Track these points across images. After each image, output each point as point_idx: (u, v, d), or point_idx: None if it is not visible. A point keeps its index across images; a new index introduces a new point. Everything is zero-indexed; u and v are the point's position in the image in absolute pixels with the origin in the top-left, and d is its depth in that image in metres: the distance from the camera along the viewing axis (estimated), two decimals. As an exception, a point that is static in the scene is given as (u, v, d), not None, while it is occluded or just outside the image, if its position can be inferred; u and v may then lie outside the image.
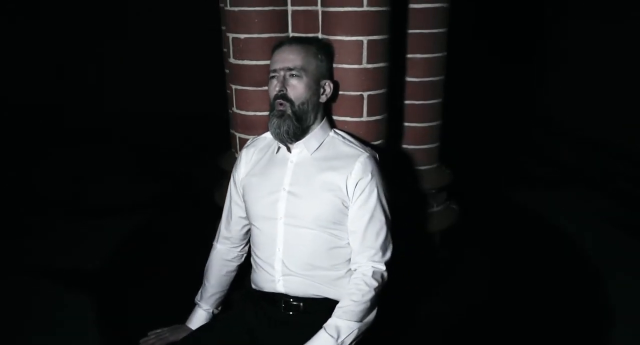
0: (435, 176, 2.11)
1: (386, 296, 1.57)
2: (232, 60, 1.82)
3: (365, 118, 1.76)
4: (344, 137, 1.64)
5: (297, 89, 1.53)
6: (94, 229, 3.03)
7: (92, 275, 2.52)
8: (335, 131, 1.65)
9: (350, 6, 1.62)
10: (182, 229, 2.86)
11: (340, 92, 1.72)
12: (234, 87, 1.86)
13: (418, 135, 2.04)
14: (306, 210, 1.54)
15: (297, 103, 1.53)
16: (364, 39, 1.65)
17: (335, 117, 1.77)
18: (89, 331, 2.10)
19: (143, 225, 3.01)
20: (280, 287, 1.57)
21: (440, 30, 1.93)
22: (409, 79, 1.97)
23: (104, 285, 2.41)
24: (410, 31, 1.91)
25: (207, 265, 1.80)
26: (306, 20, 1.75)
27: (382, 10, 1.65)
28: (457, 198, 2.31)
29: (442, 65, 1.99)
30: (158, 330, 1.78)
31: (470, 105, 5.06)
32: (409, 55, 1.94)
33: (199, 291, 1.82)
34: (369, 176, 1.54)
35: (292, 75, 1.53)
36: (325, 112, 1.65)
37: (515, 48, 5.78)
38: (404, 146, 2.07)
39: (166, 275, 2.34)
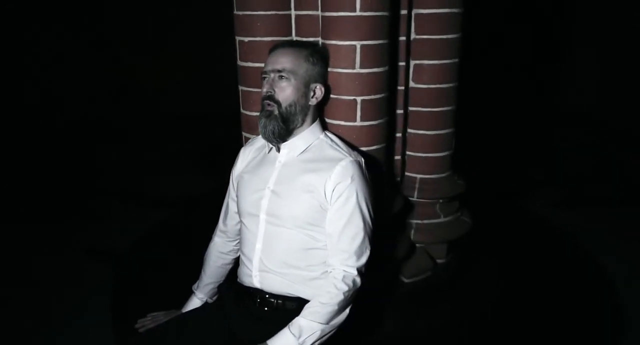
0: (443, 185, 2.04)
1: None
2: (238, 62, 1.89)
3: (358, 123, 1.75)
4: (332, 141, 1.65)
5: (285, 91, 1.57)
6: (141, 218, 3.27)
7: (125, 258, 2.73)
8: (326, 134, 1.67)
9: (344, 11, 1.63)
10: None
11: (335, 96, 1.74)
12: (240, 88, 1.93)
13: (425, 143, 2.00)
14: (285, 209, 1.57)
15: (284, 105, 1.58)
16: (357, 44, 1.66)
17: (329, 121, 1.78)
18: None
19: (187, 219, 3.19)
20: (256, 282, 1.62)
21: (450, 36, 1.87)
22: (414, 85, 1.93)
23: (131, 269, 2.59)
24: (417, 37, 1.87)
25: (205, 256, 1.89)
26: (309, 24, 1.78)
27: (378, 15, 1.64)
28: (473, 205, 2.24)
29: (453, 72, 1.93)
30: (155, 313, 1.90)
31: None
32: (416, 62, 1.90)
33: (198, 280, 1.91)
34: (349, 180, 1.54)
35: (281, 77, 1.57)
36: (318, 115, 1.68)
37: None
38: (410, 153, 2.04)
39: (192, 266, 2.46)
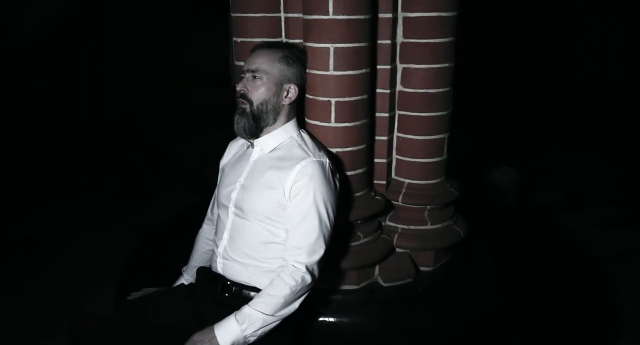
0: (432, 192, 2.00)
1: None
2: (235, 62, 2.00)
3: (333, 124, 1.79)
4: (302, 140, 1.71)
5: (257, 90, 1.66)
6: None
7: (151, 236, 2.99)
8: (300, 133, 1.73)
9: (318, 14, 1.67)
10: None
11: (311, 97, 1.79)
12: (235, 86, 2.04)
13: (413, 148, 1.97)
14: (248, 203, 1.66)
15: (255, 103, 1.66)
16: (331, 46, 1.69)
17: (308, 121, 1.84)
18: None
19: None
20: (220, 269, 1.73)
21: (440, 40, 1.83)
22: (402, 88, 1.92)
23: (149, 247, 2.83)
24: (404, 40, 1.85)
25: (194, 241, 2.03)
26: (295, 27, 1.84)
27: (352, 19, 1.66)
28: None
29: (444, 77, 1.89)
30: (147, 289, 2.07)
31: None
32: (404, 65, 1.88)
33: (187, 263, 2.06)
34: (307, 179, 1.59)
35: (254, 77, 1.66)
36: (295, 114, 1.74)
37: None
38: (398, 157, 2.02)
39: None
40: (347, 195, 1.86)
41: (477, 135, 4.93)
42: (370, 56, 1.77)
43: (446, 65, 1.87)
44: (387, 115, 1.92)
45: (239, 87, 1.68)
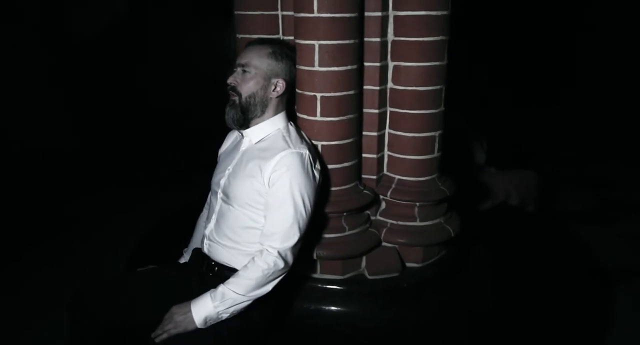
0: (422, 189, 2.02)
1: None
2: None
3: (318, 118, 1.86)
4: (288, 132, 1.80)
5: (246, 83, 1.77)
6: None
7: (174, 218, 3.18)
8: (288, 126, 1.82)
9: (304, 12, 1.75)
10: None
11: (299, 92, 1.87)
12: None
13: (403, 145, 2.00)
14: (233, 190, 1.78)
15: (244, 96, 1.77)
16: (316, 43, 1.76)
17: (298, 114, 1.92)
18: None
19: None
20: (206, 249, 1.85)
21: (431, 38, 1.84)
22: (393, 86, 1.95)
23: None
24: (395, 38, 1.89)
25: (196, 224, 2.17)
26: (290, 24, 1.93)
27: (336, 17, 1.73)
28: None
29: (436, 75, 1.90)
30: (152, 266, 2.23)
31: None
32: (395, 63, 1.92)
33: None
34: (284, 169, 1.68)
35: (244, 71, 1.77)
36: (284, 108, 1.83)
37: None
38: (390, 153, 2.06)
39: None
40: (330, 187, 1.93)
41: (518, 136, 4.82)
42: (356, 53, 1.82)
43: (436, 63, 1.89)
44: (376, 111, 1.96)
45: (229, 80, 1.79)
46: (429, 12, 1.81)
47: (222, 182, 1.84)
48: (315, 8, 1.72)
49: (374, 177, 2.06)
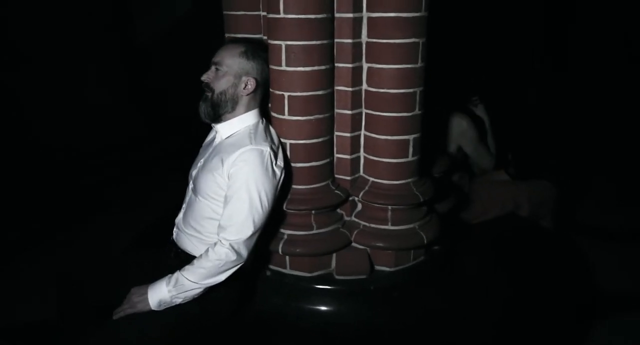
0: (394, 192, 2.00)
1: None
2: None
3: (287, 116, 1.90)
4: (255, 130, 1.87)
5: (218, 80, 1.86)
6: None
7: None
8: (259, 123, 1.89)
9: (273, 13, 1.79)
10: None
11: (271, 90, 1.92)
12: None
13: (377, 147, 1.99)
14: (199, 182, 1.88)
15: (216, 92, 1.86)
16: (283, 44, 1.80)
17: (271, 112, 1.97)
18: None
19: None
20: (175, 237, 1.96)
21: (406, 40, 1.81)
22: (367, 88, 1.94)
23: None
24: (369, 40, 1.87)
25: None
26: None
27: (302, 18, 1.76)
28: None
29: (412, 77, 1.87)
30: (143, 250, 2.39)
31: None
32: (369, 65, 1.91)
33: None
34: (242, 164, 1.75)
35: (217, 69, 1.86)
36: (256, 105, 1.90)
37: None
38: (365, 155, 2.05)
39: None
40: (298, 185, 1.96)
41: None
42: (325, 54, 1.84)
43: (409, 66, 1.86)
44: (349, 112, 1.97)
45: (203, 77, 1.88)
46: (399, 14, 1.79)
47: (194, 173, 1.94)
48: (281, 9, 1.76)
49: (349, 177, 2.07)
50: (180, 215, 1.97)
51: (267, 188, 1.78)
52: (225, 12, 2.09)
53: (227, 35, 2.12)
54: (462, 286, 2.17)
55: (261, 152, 1.78)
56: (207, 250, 1.76)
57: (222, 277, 1.76)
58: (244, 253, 1.76)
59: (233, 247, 1.73)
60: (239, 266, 1.78)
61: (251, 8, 2.02)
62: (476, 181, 2.84)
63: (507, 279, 2.28)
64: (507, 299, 2.16)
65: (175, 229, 1.97)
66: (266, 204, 1.78)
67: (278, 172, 1.82)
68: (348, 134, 2.00)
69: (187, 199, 1.96)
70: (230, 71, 1.85)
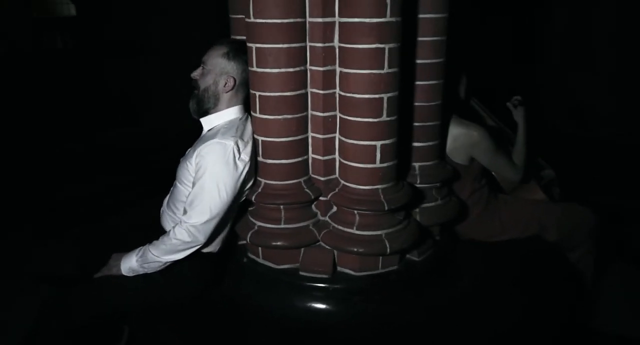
0: (360, 197, 2.00)
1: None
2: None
3: (257, 115, 2.03)
4: (230, 125, 2.04)
5: (203, 78, 2.07)
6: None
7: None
8: (237, 120, 2.08)
9: (247, 18, 1.92)
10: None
11: (250, 89, 2.05)
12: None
13: (346, 150, 2.00)
14: (179, 168, 2.10)
15: (200, 89, 2.08)
16: (253, 46, 1.93)
17: (250, 110, 2.10)
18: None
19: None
20: (161, 217, 2.21)
21: (370, 45, 1.80)
22: (341, 92, 1.96)
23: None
24: (341, 45, 1.89)
25: None
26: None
27: (269, 23, 1.86)
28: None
29: (376, 83, 1.85)
30: None
31: None
32: (342, 69, 1.93)
33: None
34: (204, 156, 1.94)
35: (202, 67, 2.07)
36: (239, 103, 2.10)
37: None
38: (339, 158, 2.08)
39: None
40: (267, 180, 2.07)
41: None
42: (293, 57, 1.92)
43: (374, 71, 1.84)
44: (322, 114, 2.01)
45: (192, 74, 2.11)
46: (362, 19, 1.79)
47: (182, 161, 2.16)
48: (251, 13, 1.88)
49: (322, 178, 2.11)
50: (167, 197, 2.21)
51: (227, 180, 1.93)
52: (230, 16, 2.27)
53: (232, 37, 2.30)
54: (436, 304, 2.09)
55: (224, 146, 1.93)
56: (170, 230, 1.96)
57: (180, 256, 1.96)
58: (200, 237, 1.93)
59: (190, 230, 1.92)
60: (195, 248, 1.96)
61: (241, 12, 2.16)
62: (499, 197, 2.63)
63: (497, 311, 2.12)
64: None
65: (161, 209, 2.22)
66: (224, 194, 1.93)
67: (241, 165, 1.96)
68: (321, 136, 2.05)
69: (175, 183, 2.20)
70: (213, 70, 2.04)
